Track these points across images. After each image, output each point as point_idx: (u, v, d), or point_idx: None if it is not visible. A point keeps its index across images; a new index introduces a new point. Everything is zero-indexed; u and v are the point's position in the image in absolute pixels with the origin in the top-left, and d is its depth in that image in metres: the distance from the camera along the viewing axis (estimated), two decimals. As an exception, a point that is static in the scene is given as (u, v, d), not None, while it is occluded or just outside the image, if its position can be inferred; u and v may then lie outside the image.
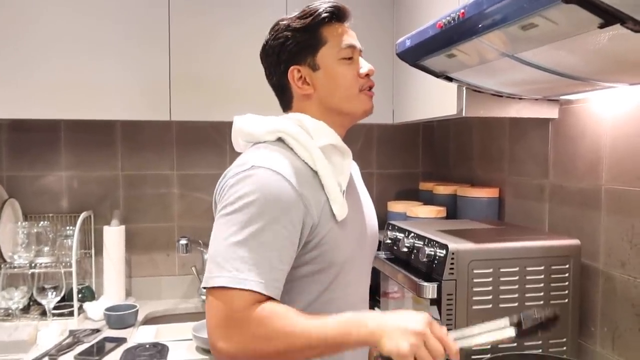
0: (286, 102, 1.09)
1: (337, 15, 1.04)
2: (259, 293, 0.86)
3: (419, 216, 1.84)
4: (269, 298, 0.88)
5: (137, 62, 1.80)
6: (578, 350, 1.36)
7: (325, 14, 1.03)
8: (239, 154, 1.05)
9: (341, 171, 1.02)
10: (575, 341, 1.33)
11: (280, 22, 1.05)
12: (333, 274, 0.98)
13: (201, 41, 1.85)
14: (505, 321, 0.97)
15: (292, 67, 1.04)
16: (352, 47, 1.05)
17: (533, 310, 0.93)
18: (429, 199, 2.07)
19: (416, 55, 1.28)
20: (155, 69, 1.81)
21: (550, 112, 1.51)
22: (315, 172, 0.97)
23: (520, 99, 1.48)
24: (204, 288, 0.90)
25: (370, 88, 1.07)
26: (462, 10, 0.98)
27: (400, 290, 1.62)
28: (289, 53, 1.03)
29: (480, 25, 0.98)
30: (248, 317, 0.85)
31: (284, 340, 0.85)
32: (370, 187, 2.31)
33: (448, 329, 0.88)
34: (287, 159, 0.96)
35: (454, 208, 1.91)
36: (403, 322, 0.82)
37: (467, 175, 2.09)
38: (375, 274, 1.99)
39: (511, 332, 0.94)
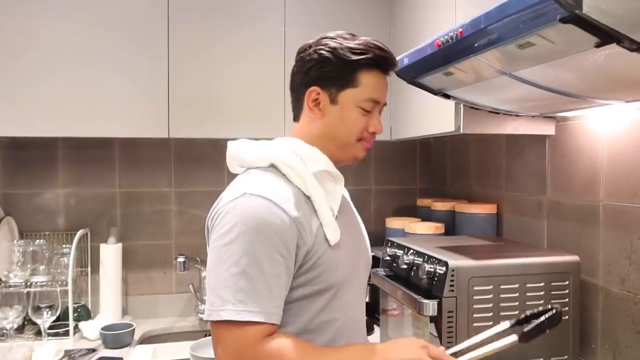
0: (296, 113, 1.10)
1: (383, 65, 1.04)
2: (265, 323, 0.88)
3: (418, 232, 1.83)
4: (273, 325, 0.90)
5: (136, 80, 1.81)
6: (579, 368, 1.35)
7: (372, 61, 1.02)
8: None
9: (333, 196, 1.03)
10: (577, 358, 1.33)
11: (331, 39, 1.03)
12: (329, 297, 0.99)
13: (200, 58, 1.86)
14: (505, 324, 0.97)
15: (314, 87, 1.03)
16: (376, 102, 1.05)
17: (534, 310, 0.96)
18: (427, 215, 2.07)
19: (414, 73, 1.30)
20: (154, 86, 1.82)
21: (547, 128, 1.52)
22: (308, 197, 0.98)
23: (517, 115, 1.50)
24: (209, 321, 0.91)
25: (369, 142, 1.09)
26: (460, 29, 0.99)
27: (399, 308, 1.61)
28: (320, 73, 1.02)
29: (478, 44, 0.99)
30: (261, 352, 0.88)
31: None
32: (367, 203, 2.35)
33: (449, 346, 0.90)
34: (279, 185, 0.97)
35: (452, 224, 1.91)
36: (402, 354, 0.90)
37: (464, 191, 2.09)
38: (374, 291, 1.99)
39: (513, 338, 0.94)
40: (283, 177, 0.99)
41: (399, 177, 2.39)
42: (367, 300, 2.01)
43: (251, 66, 1.89)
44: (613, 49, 0.80)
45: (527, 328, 0.95)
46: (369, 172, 2.35)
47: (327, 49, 1.01)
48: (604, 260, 1.34)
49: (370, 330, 1.94)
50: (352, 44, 1.02)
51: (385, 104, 1.09)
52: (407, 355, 0.90)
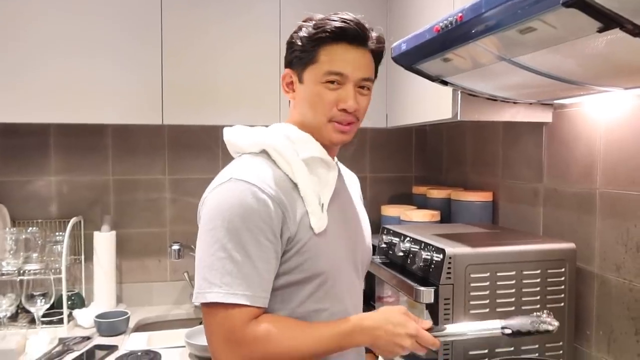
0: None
1: (343, 35, 0.98)
2: (251, 307, 0.89)
3: (413, 220, 1.83)
4: (260, 309, 0.91)
5: (129, 66, 1.78)
6: (574, 354, 1.36)
7: (326, 34, 0.97)
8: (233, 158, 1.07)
9: (325, 183, 1.02)
10: (571, 345, 1.33)
11: (305, 20, 1.02)
12: (315, 285, 0.98)
13: (194, 44, 1.83)
14: (497, 323, 0.98)
15: (286, 70, 1.05)
16: (340, 74, 0.98)
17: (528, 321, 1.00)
18: (422, 203, 2.07)
19: (412, 59, 1.28)
20: (147, 72, 1.79)
21: (544, 116, 1.51)
22: (296, 184, 0.97)
23: (514, 103, 1.49)
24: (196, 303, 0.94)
25: (346, 123, 1.01)
26: (460, 14, 0.97)
27: (394, 295, 1.61)
28: (290, 56, 1.04)
29: (477, 29, 0.98)
30: (248, 334, 0.89)
31: (287, 354, 0.91)
32: (363, 191, 2.29)
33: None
34: (267, 170, 0.96)
35: (448, 212, 1.91)
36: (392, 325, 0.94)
37: (460, 179, 2.09)
38: (370, 278, 1.99)
39: (498, 333, 0.96)
40: (273, 163, 0.99)
41: (394, 164, 2.38)
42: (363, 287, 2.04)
43: (246, 52, 1.86)
44: (615, 34, 0.78)
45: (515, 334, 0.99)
46: (365, 160, 2.34)
47: (296, 31, 1.02)
48: (600, 247, 1.34)
49: (365, 318, 1.94)
50: (317, 20, 1.00)
51: (366, 79, 1.01)
52: (397, 340, 0.94)
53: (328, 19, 0.99)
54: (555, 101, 1.47)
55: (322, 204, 1.00)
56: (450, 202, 1.89)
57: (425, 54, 1.21)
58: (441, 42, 1.10)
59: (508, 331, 0.99)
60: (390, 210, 1.99)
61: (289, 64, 1.04)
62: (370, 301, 2.03)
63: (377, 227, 2.19)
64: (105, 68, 1.76)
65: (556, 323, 1.01)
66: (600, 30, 0.78)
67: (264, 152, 1.01)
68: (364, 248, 1.13)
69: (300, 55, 1.01)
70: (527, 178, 1.65)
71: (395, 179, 2.38)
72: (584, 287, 1.38)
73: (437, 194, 1.98)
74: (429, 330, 0.97)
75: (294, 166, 0.97)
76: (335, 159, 1.12)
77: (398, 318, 0.95)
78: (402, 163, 2.39)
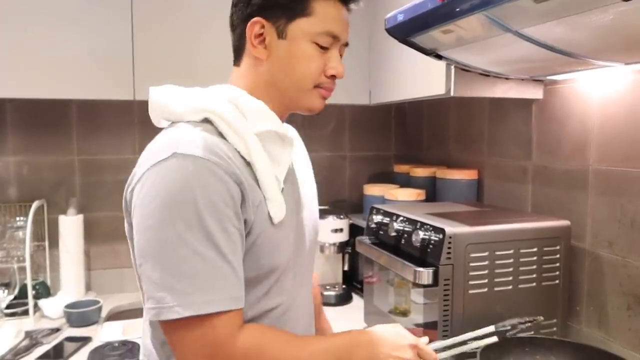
0: (237, 55, 0.92)
1: None
2: (232, 311, 0.75)
3: (399, 199, 1.79)
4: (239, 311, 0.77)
5: (96, 34, 1.63)
6: (565, 331, 1.37)
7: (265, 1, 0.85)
8: None
9: (279, 162, 0.87)
10: (564, 322, 1.34)
11: None
12: (271, 281, 0.86)
13: (168, 11, 1.70)
14: (491, 328, 0.97)
15: (256, 18, 0.85)
16: (335, 37, 0.88)
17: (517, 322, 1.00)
18: (405, 182, 2.03)
19: (409, 30, 1.22)
20: (116, 42, 1.64)
21: (535, 92, 1.49)
22: (248, 163, 0.82)
23: (506, 79, 1.46)
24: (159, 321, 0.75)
25: (331, 90, 0.92)
26: (473, -19, 0.92)
27: (376, 275, 1.58)
28: (264, 1, 0.85)
29: (489, -1, 0.93)
30: (238, 348, 0.75)
31: None
32: (343, 170, 2.28)
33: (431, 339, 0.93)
34: (216, 143, 0.78)
35: (432, 190, 1.88)
36: (392, 350, 0.85)
37: (442, 157, 2.07)
38: (353, 258, 1.96)
39: (494, 339, 0.95)
40: (219, 136, 0.81)
41: (373, 143, 2.33)
42: (346, 268, 2.00)
43: (224, 20, 1.74)
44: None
45: (510, 334, 0.98)
46: (344, 138, 2.28)
47: None
48: (592, 224, 1.34)
49: (348, 299, 1.91)
50: None
51: (346, 45, 0.93)
52: (398, 353, 0.84)
53: None
54: (548, 77, 1.45)
55: (282, 188, 0.86)
56: (435, 181, 1.87)
57: (424, 25, 1.15)
58: (445, 12, 1.05)
59: (505, 329, 0.97)
60: (373, 189, 1.95)
61: (261, 10, 0.85)
62: (353, 281, 2.00)
63: (358, 207, 2.16)
64: (69, 37, 1.60)
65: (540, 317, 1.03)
66: (628, -1, 0.75)
67: (206, 122, 0.82)
68: (313, 231, 1.00)
69: (286, 2, 0.84)
70: (515, 155, 1.64)
71: (375, 157, 2.33)
72: (575, 264, 1.38)
73: (421, 172, 1.94)
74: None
75: (248, 141, 0.81)
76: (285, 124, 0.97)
77: (398, 331, 0.88)
78: (381, 141, 2.34)
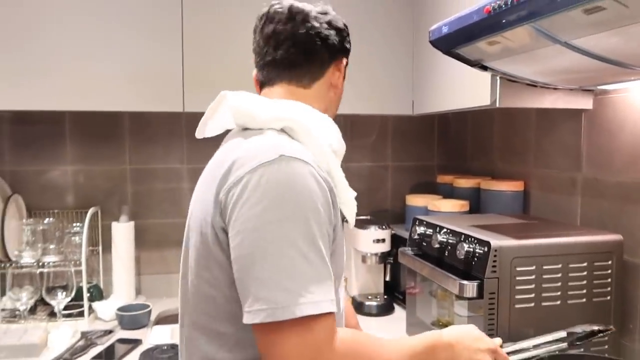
0: (311, 78, 0.98)
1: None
2: (331, 314, 0.75)
3: (442, 210, 1.78)
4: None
5: (148, 50, 1.71)
6: (618, 349, 1.32)
7: (349, 45, 1.05)
8: None
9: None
10: (617, 340, 1.29)
11: (326, 13, 1.00)
12: (335, 288, 0.85)
13: (217, 25, 1.76)
14: (561, 333, 0.95)
15: (343, 57, 1.03)
16: None
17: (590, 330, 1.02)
18: (448, 193, 2.02)
19: (454, 42, 1.22)
20: (167, 57, 1.72)
21: (584, 102, 1.45)
22: (328, 172, 0.88)
23: (554, 89, 1.43)
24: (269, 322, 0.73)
25: None
26: (519, -6, 0.91)
27: (418, 286, 1.56)
28: (344, 43, 1.02)
29: (536, 10, 0.92)
30: (337, 352, 0.75)
31: None
32: (385, 180, 2.28)
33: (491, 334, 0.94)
34: (306, 150, 0.83)
35: (476, 202, 1.86)
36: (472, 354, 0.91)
37: (487, 168, 2.04)
38: (395, 269, 1.95)
39: (564, 346, 0.94)
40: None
41: (416, 153, 2.32)
42: (387, 279, 2.00)
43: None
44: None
45: (581, 341, 1.00)
46: (386, 148, 2.29)
47: (335, 18, 1.01)
48: (646, 239, 1.29)
49: (390, 310, 1.91)
50: (342, 23, 1.03)
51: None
52: (477, 356, 0.90)
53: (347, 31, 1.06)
54: (598, 87, 1.41)
55: (356, 195, 0.95)
56: (480, 192, 1.84)
57: (470, 37, 1.15)
58: (492, 24, 1.04)
59: (577, 335, 0.95)
60: (416, 200, 1.94)
61: (343, 50, 1.02)
62: (394, 292, 2.00)
63: (400, 217, 2.16)
64: (123, 53, 1.69)
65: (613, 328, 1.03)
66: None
67: (283, 131, 0.87)
68: None
69: (347, 45, 1.04)
70: (563, 167, 1.60)
71: (417, 168, 2.32)
72: (628, 279, 1.33)
73: (464, 183, 1.92)
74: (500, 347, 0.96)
75: (327, 152, 0.88)
76: None
77: (475, 333, 0.93)
78: (424, 151, 2.33)
